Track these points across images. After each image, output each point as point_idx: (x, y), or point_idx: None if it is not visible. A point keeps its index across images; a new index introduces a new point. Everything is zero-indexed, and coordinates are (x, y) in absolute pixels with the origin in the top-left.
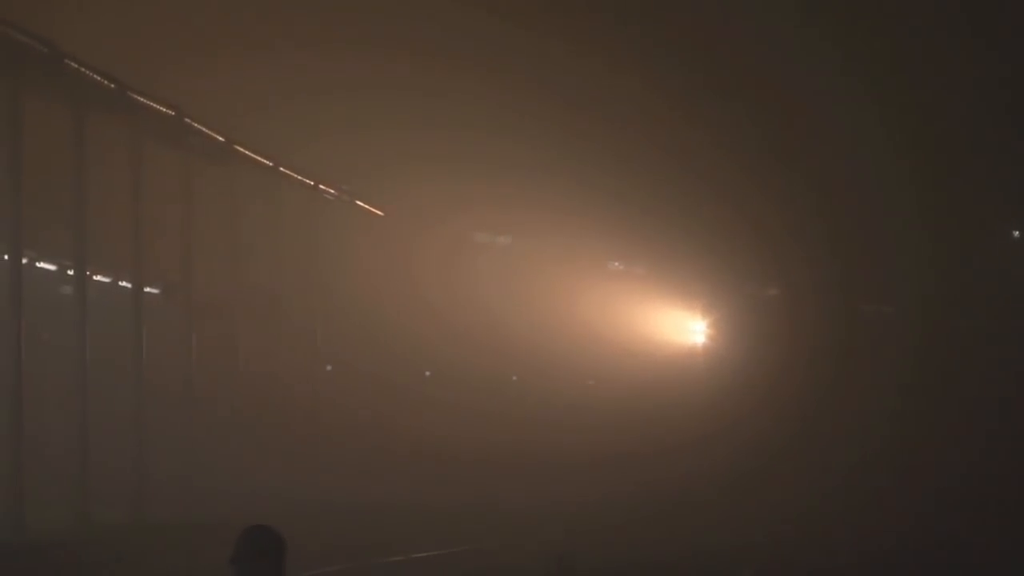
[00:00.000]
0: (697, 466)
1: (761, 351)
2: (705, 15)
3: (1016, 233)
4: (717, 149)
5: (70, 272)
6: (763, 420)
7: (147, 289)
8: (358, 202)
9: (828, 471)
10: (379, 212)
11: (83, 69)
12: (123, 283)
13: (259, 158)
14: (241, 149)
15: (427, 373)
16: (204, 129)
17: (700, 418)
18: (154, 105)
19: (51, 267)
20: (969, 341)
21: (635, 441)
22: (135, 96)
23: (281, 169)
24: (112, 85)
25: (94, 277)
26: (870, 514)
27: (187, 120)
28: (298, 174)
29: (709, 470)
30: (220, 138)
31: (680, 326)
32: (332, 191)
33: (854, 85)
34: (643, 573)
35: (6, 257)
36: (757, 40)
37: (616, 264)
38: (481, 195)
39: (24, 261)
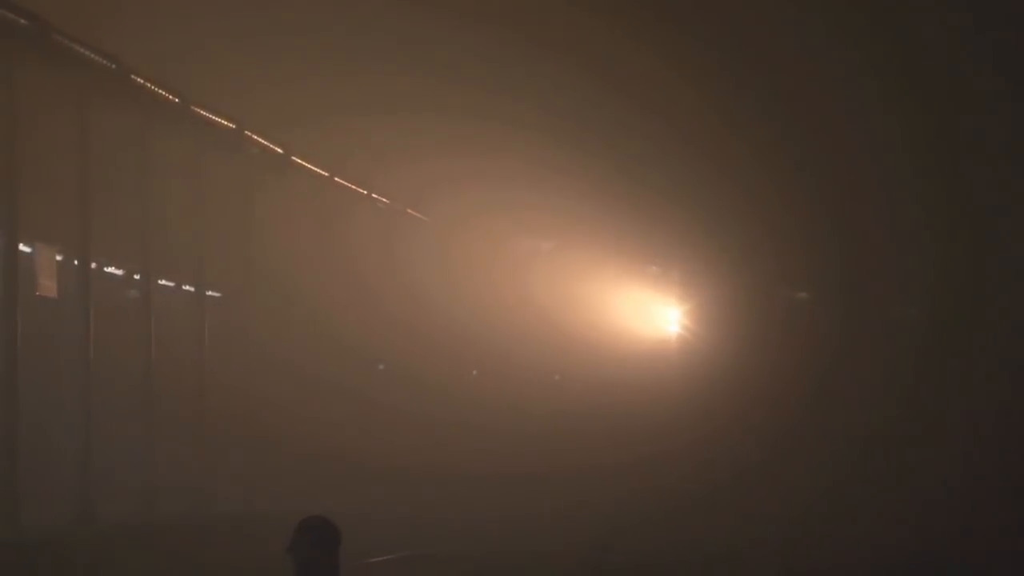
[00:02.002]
0: (693, 468)
1: (761, 352)
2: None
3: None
4: (730, 141)
5: (136, 277)
6: (761, 420)
7: (209, 293)
8: (409, 210)
9: (824, 471)
10: (423, 217)
11: (147, 84)
12: (186, 287)
13: (315, 168)
14: (298, 160)
15: (474, 372)
16: (262, 140)
17: (698, 418)
18: (215, 118)
19: (118, 272)
20: (971, 343)
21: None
22: (197, 110)
23: (336, 179)
24: (176, 99)
25: (159, 281)
26: (869, 514)
27: (247, 132)
28: (352, 184)
29: (706, 472)
30: (278, 149)
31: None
32: (385, 200)
33: (874, 82)
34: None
35: (76, 263)
36: (777, 35)
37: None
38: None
39: (93, 266)
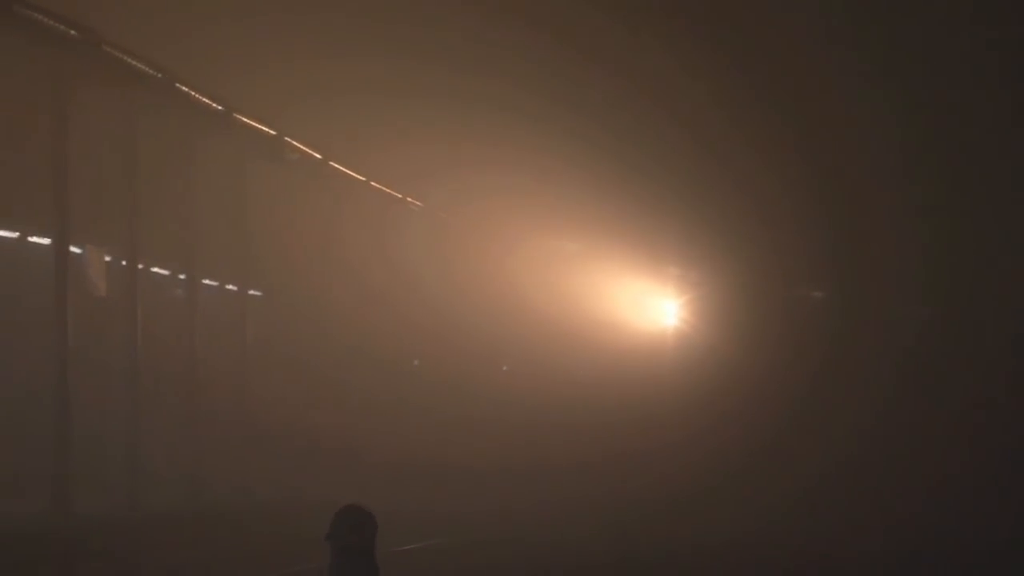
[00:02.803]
0: (686, 464)
1: (755, 348)
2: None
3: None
4: (733, 134)
5: (181, 276)
6: (753, 416)
7: (252, 292)
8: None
9: (816, 468)
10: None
11: (192, 92)
12: (229, 286)
13: (352, 173)
14: (336, 166)
15: (504, 368)
16: (300, 146)
17: (692, 414)
18: (257, 125)
19: (164, 272)
20: (965, 341)
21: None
22: (239, 116)
23: (373, 184)
24: (219, 107)
25: (203, 280)
26: (859, 510)
27: (286, 138)
28: (386, 187)
29: (700, 467)
30: (317, 155)
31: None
32: (417, 202)
33: (881, 86)
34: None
35: (124, 263)
36: (789, 39)
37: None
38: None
39: (140, 267)
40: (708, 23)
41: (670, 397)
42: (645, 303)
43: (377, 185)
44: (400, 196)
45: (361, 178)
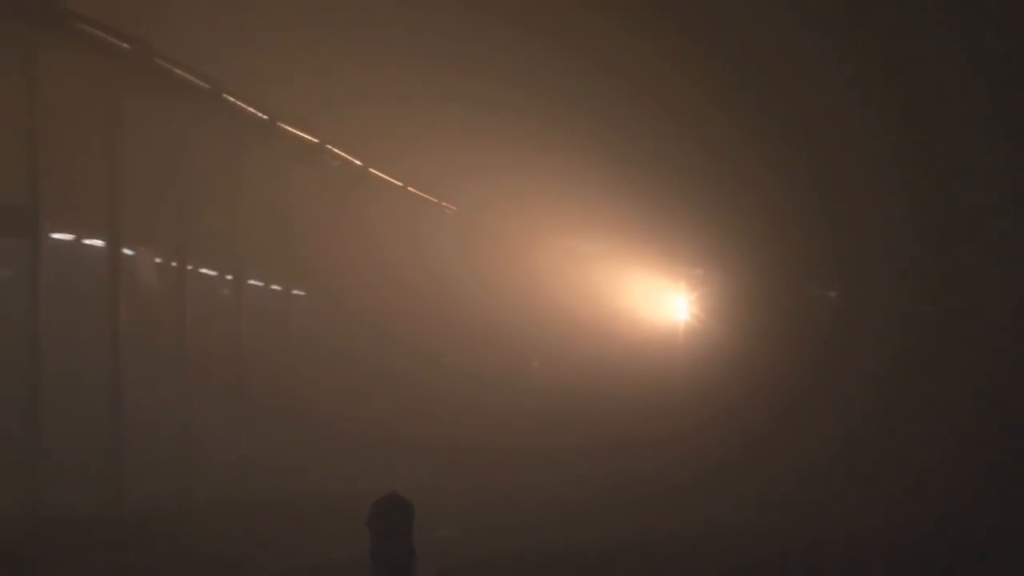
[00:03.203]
0: (691, 450)
1: (759, 342)
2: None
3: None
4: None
5: (228, 277)
6: (756, 407)
7: (295, 292)
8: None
9: (816, 458)
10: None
11: (238, 102)
12: (274, 287)
13: (392, 180)
14: (377, 173)
15: (535, 364)
16: (344, 155)
17: (698, 404)
18: (299, 133)
19: (211, 273)
20: (955, 338)
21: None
22: (282, 125)
23: (410, 190)
24: (264, 116)
25: (248, 280)
26: (855, 498)
27: (328, 146)
28: (421, 191)
29: (705, 453)
30: (358, 162)
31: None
32: (451, 206)
33: (869, 81)
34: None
35: (174, 264)
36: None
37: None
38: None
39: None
40: (723, 38)
41: (679, 388)
42: (657, 299)
43: (413, 190)
44: (435, 200)
45: (398, 183)
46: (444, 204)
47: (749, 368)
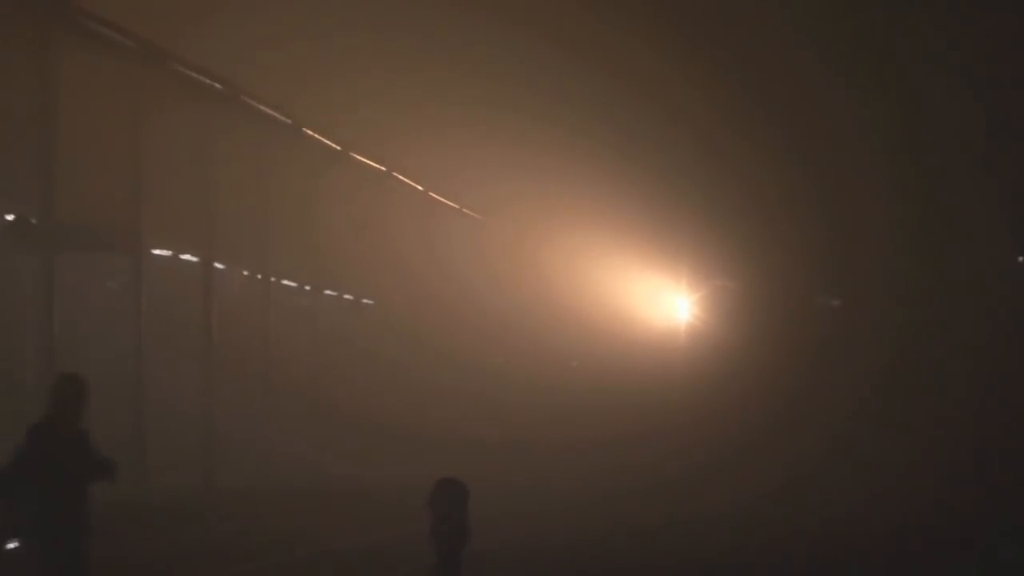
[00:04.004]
0: (681, 446)
1: (757, 342)
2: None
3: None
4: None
5: (306, 288)
6: (748, 405)
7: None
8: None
9: (810, 452)
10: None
11: (259, 105)
12: (346, 296)
13: (414, 184)
14: (400, 177)
15: (574, 364)
16: (407, 180)
17: (688, 401)
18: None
19: (292, 284)
20: (944, 341)
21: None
22: (355, 155)
23: (431, 194)
24: (289, 121)
25: (282, 282)
26: (847, 489)
27: (352, 154)
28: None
29: (705, 446)
30: (381, 167)
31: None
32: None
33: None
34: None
35: (219, 265)
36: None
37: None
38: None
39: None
40: (726, 47)
41: (680, 384)
42: (661, 300)
43: (438, 197)
44: (457, 207)
45: (420, 188)
46: (470, 212)
47: (747, 367)
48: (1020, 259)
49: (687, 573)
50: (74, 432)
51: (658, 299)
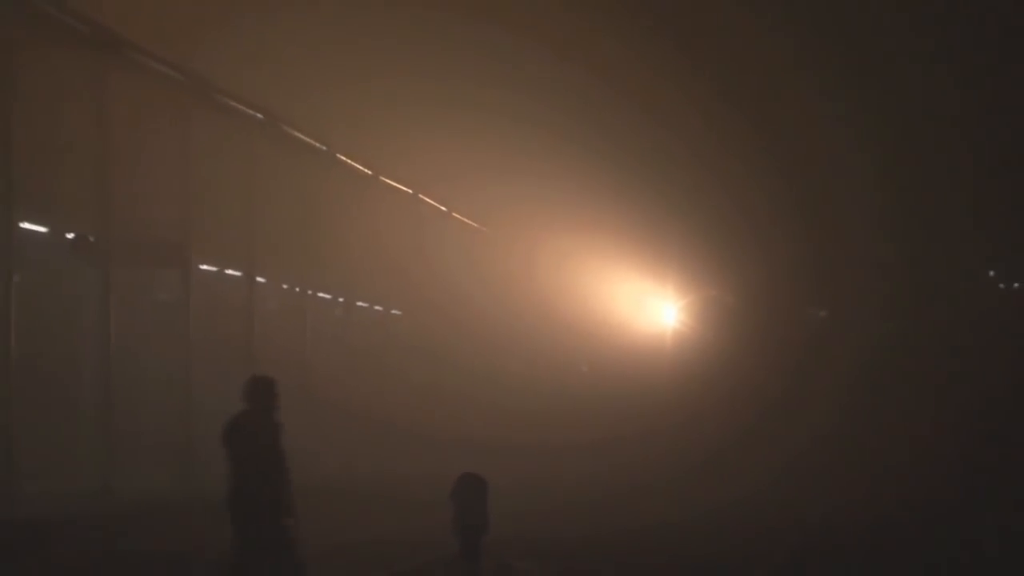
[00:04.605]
0: (672, 448)
1: (742, 348)
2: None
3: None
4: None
5: (340, 300)
6: (732, 408)
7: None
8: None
9: (791, 451)
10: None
11: (296, 133)
12: (377, 307)
13: (434, 204)
14: (429, 198)
15: (584, 369)
16: (431, 201)
17: (686, 403)
18: (396, 185)
19: (327, 296)
20: (918, 346)
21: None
22: (385, 180)
23: (455, 214)
24: (322, 147)
25: (317, 294)
26: (828, 484)
27: (420, 195)
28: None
29: (692, 447)
30: (442, 207)
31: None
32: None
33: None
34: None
35: (260, 279)
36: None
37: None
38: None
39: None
40: (719, 60)
41: (668, 388)
42: (648, 307)
43: (460, 216)
44: (477, 226)
45: (443, 208)
46: (480, 227)
47: (735, 372)
48: (991, 273)
49: (676, 568)
50: (269, 424)
51: (647, 305)
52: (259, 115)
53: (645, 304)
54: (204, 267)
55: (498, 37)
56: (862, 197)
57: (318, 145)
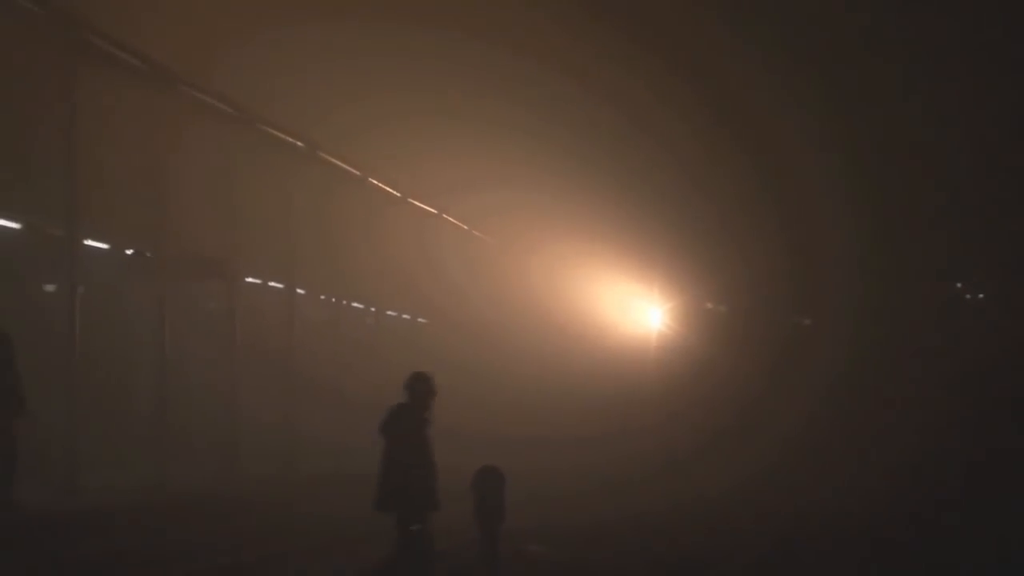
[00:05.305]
0: (664, 439)
1: (723, 349)
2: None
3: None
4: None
5: (372, 310)
6: (719, 403)
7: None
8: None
9: (769, 445)
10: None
11: (333, 160)
12: (404, 316)
13: (457, 223)
14: (454, 216)
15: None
16: (455, 221)
17: (670, 400)
18: (423, 206)
19: (361, 306)
20: (889, 351)
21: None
22: (414, 201)
23: (472, 231)
24: (351, 170)
25: (352, 304)
26: (805, 476)
27: (445, 215)
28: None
29: (677, 441)
30: (465, 228)
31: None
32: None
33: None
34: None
35: (302, 290)
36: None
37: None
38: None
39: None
40: (708, 74)
41: (654, 386)
42: (634, 311)
43: (482, 235)
44: (485, 237)
45: (465, 227)
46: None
47: (713, 370)
48: (958, 285)
49: (672, 552)
50: (422, 417)
51: (635, 309)
52: (300, 143)
53: (632, 307)
54: (249, 280)
55: (489, 47)
56: (844, 217)
57: (353, 171)
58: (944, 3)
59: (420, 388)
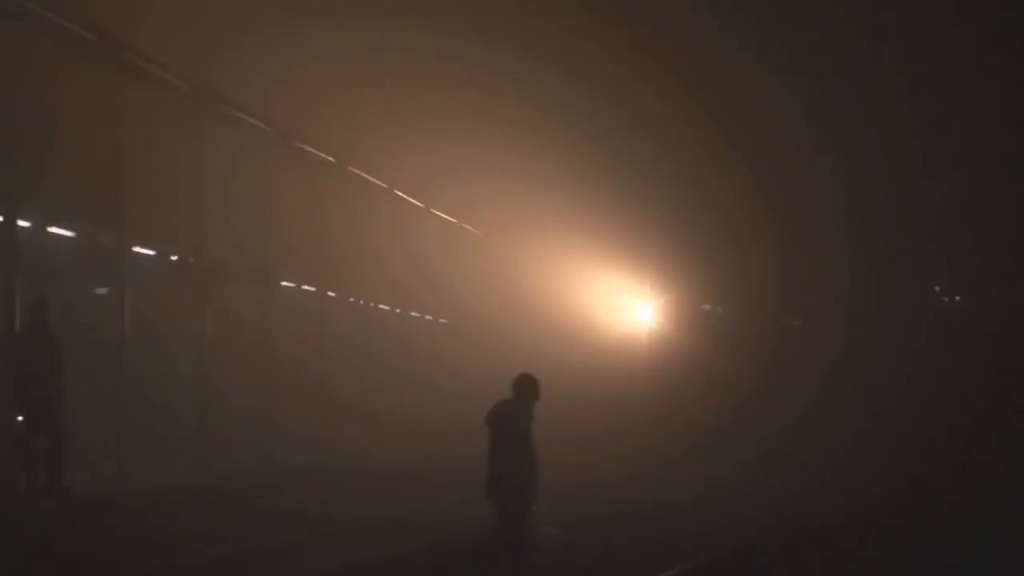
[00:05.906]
0: (654, 438)
1: (714, 348)
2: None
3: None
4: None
5: (397, 311)
6: (710, 402)
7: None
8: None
9: (759, 444)
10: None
11: (361, 173)
12: (427, 317)
13: (473, 230)
14: (467, 227)
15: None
16: (469, 228)
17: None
18: (443, 216)
19: (386, 307)
20: (875, 351)
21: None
22: (436, 212)
23: (477, 232)
24: (382, 184)
25: (411, 313)
26: (794, 475)
27: (432, 210)
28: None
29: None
30: (453, 220)
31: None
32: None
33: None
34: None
35: (332, 293)
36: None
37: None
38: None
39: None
40: (702, 73)
41: (644, 384)
42: (625, 307)
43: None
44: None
45: (480, 234)
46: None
47: (704, 367)
48: (936, 288)
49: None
50: (527, 414)
51: (624, 307)
52: (331, 159)
53: (622, 304)
54: (284, 284)
55: (487, 44)
56: (834, 218)
57: (379, 183)
58: (940, 9)
59: (527, 388)
